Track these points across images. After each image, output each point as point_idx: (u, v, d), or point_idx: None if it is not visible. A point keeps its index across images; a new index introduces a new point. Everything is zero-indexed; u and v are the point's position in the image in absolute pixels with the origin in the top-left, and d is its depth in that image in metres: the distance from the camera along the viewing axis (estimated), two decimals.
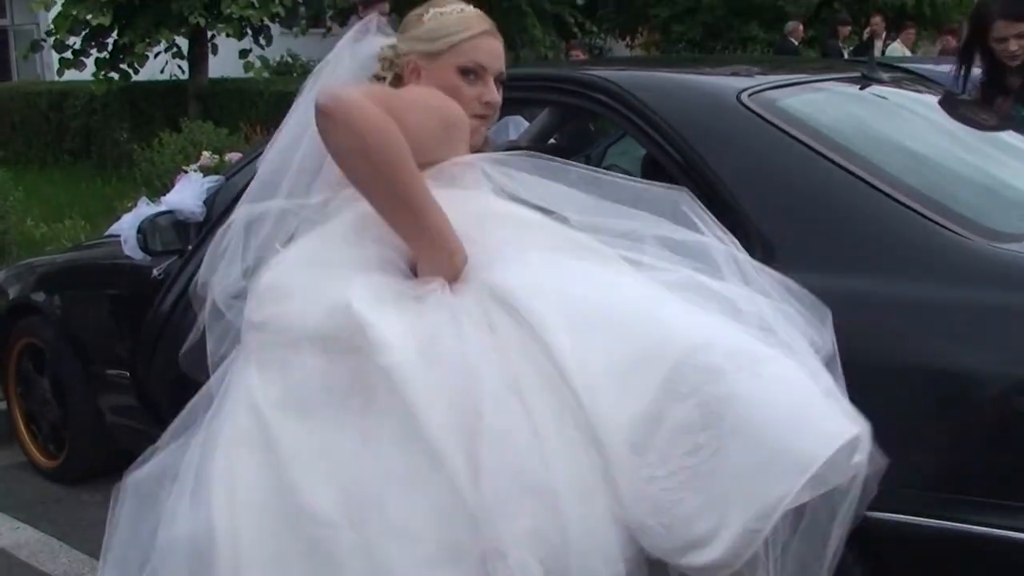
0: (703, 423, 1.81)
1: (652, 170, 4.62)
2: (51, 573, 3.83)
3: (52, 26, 13.42)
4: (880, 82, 3.33)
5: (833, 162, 2.60)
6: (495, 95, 2.27)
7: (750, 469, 1.78)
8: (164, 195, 3.90)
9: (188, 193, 3.75)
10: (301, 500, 1.85)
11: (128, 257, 3.86)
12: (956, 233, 2.43)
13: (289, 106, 2.35)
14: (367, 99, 1.92)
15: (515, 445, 1.80)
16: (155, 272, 3.79)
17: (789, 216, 2.59)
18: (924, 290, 2.37)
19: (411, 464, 1.82)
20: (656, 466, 1.82)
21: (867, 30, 15.86)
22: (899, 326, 2.38)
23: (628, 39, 21.44)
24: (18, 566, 3.89)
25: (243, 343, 2.07)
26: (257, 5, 12.81)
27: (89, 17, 12.83)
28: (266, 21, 13.42)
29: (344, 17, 15.07)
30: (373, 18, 2.40)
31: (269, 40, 14.01)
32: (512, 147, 4.49)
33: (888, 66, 3.92)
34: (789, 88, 3.02)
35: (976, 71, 3.97)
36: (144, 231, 3.68)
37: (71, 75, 14.34)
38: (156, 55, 13.76)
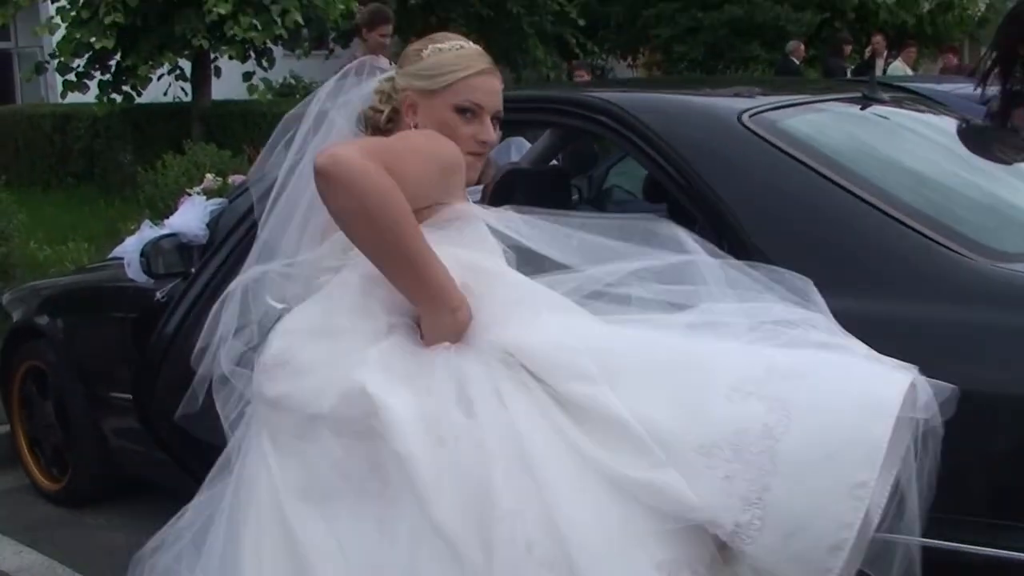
0: (767, 407, 1.82)
1: (653, 191, 4.65)
2: None
3: (56, 49, 13.46)
4: (881, 102, 3.33)
5: (834, 182, 2.60)
6: (491, 134, 2.28)
7: (832, 431, 1.80)
8: (167, 218, 3.91)
9: (191, 216, 3.76)
10: None
11: (131, 280, 3.87)
12: (958, 253, 2.43)
13: None
14: (366, 158, 1.91)
15: (526, 522, 1.81)
16: (158, 295, 3.79)
17: (790, 237, 2.59)
18: (926, 310, 2.37)
19: (426, 551, 1.84)
20: (732, 460, 1.82)
21: (868, 49, 15.89)
22: (901, 346, 2.37)
23: (630, 59, 21.49)
24: None
25: (256, 414, 2.10)
26: (260, 27, 12.83)
27: (92, 40, 12.86)
28: (269, 43, 13.45)
29: (347, 39, 15.14)
30: (359, 65, 2.39)
31: (272, 62, 14.05)
32: (514, 168, 4.50)
33: (889, 86, 3.93)
34: (790, 109, 3.02)
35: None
36: (147, 254, 3.69)
37: (75, 98, 14.36)
38: (159, 77, 13.79)
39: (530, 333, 1.96)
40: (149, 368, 3.65)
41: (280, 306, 2.18)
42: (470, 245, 2.11)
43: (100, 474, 4.51)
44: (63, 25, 13.27)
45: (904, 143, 3.20)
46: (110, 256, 4.77)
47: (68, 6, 13.31)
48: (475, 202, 2.32)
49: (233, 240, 3.43)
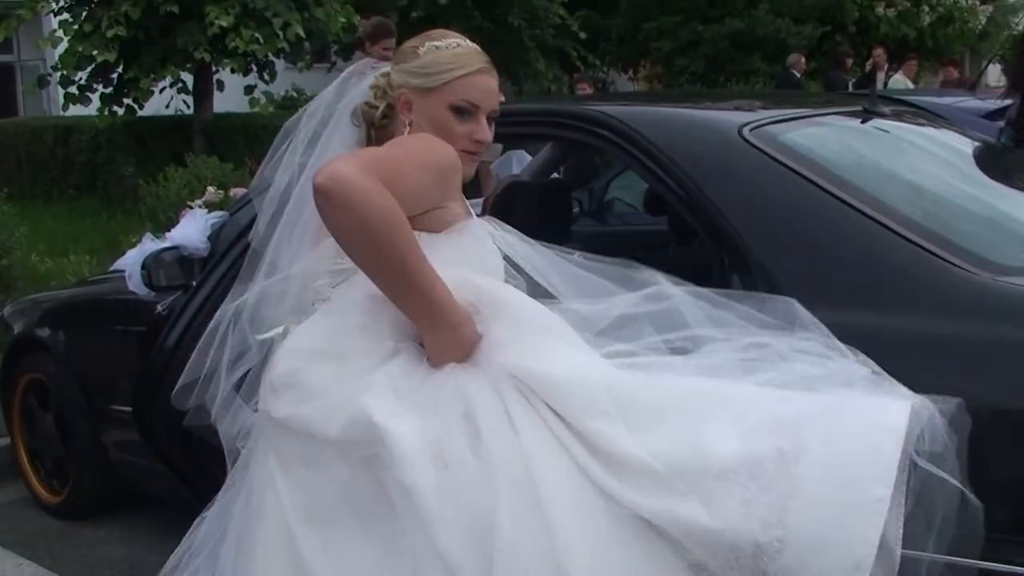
0: (780, 428, 1.85)
1: (654, 204, 4.65)
2: None
3: (59, 62, 13.50)
4: (882, 115, 3.34)
5: (835, 196, 2.60)
6: (486, 133, 2.26)
7: (845, 451, 1.82)
8: (169, 230, 3.92)
9: (192, 229, 3.77)
10: None
11: (132, 293, 3.87)
12: (959, 267, 2.43)
13: None
14: (365, 176, 1.88)
15: (527, 553, 1.81)
16: (159, 308, 3.80)
17: (791, 250, 2.59)
18: (927, 324, 2.37)
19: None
20: (749, 485, 1.83)
21: (869, 62, 15.91)
22: (902, 360, 2.37)
23: (631, 72, 21.53)
24: None
25: (263, 432, 2.10)
26: (262, 40, 12.87)
27: (95, 53, 12.91)
28: (271, 56, 13.48)
29: (348, 52, 15.16)
30: (361, 65, 2.40)
31: (274, 75, 14.08)
32: (515, 181, 4.51)
33: (889, 99, 3.93)
34: (791, 122, 3.02)
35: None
36: (148, 267, 3.69)
37: (77, 110, 14.40)
38: (161, 90, 13.82)
39: (545, 362, 1.95)
40: (150, 381, 3.65)
41: (270, 334, 2.16)
42: (477, 262, 2.11)
43: (100, 487, 4.50)
44: (66, 38, 13.31)
45: (905, 156, 3.21)
46: (111, 269, 4.78)
47: (71, 19, 13.37)
48: (476, 215, 2.32)
49: (234, 253, 3.43)
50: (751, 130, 2.81)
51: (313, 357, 2.01)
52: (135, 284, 3.79)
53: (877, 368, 2.02)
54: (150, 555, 3.43)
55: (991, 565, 2.11)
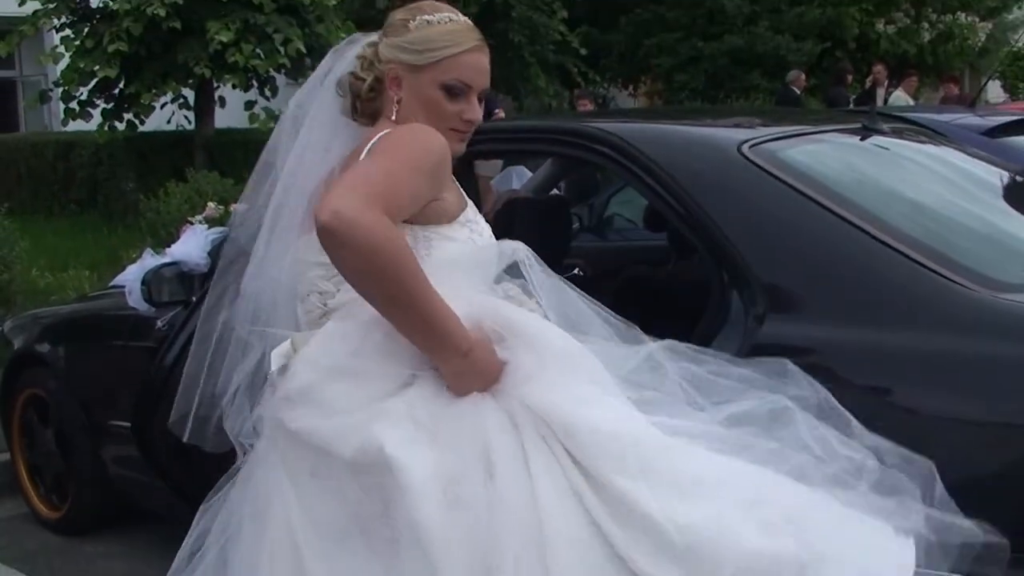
0: (800, 548, 1.85)
1: (654, 220, 4.66)
2: None
3: (60, 78, 13.55)
4: (881, 132, 3.35)
5: (834, 213, 2.61)
6: (477, 113, 2.21)
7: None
8: (169, 246, 3.92)
9: (193, 245, 3.77)
10: None
11: (132, 308, 3.87)
12: (959, 284, 2.43)
13: None
14: (368, 208, 1.85)
15: None
16: (159, 323, 3.80)
17: (791, 267, 2.60)
18: (927, 341, 2.37)
19: None
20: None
21: (869, 78, 15.95)
22: (902, 377, 2.38)
23: (631, 88, 21.58)
24: None
25: (273, 440, 2.08)
26: (263, 56, 12.91)
27: (96, 69, 12.95)
28: (272, 72, 13.52)
29: None
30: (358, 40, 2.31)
31: (275, 91, 14.10)
32: (516, 197, 4.52)
33: (889, 116, 3.94)
34: (790, 139, 3.03)
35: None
36: (149, 282, 3.69)
37: (78, 125, 14.43)
38: (162, 106, 13.85)
39: (570, 405, 1.92)
40: (149, 397, 3.65)
41: (279, 352, 2.12)
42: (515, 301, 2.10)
43: (100, 502, 4.49)
44: (67, 54, 13.35)
45: (904, 173, 3.21)
46: (111, 284, 4.78)
47: (72, 35, 13.40)
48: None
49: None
50: (750, 147, 2.82)
51: (332, 373, 1.98)
52: (135, 300, 3.79)
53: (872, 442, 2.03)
54: (149, 570, 3.42)
55: None
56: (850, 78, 15.71)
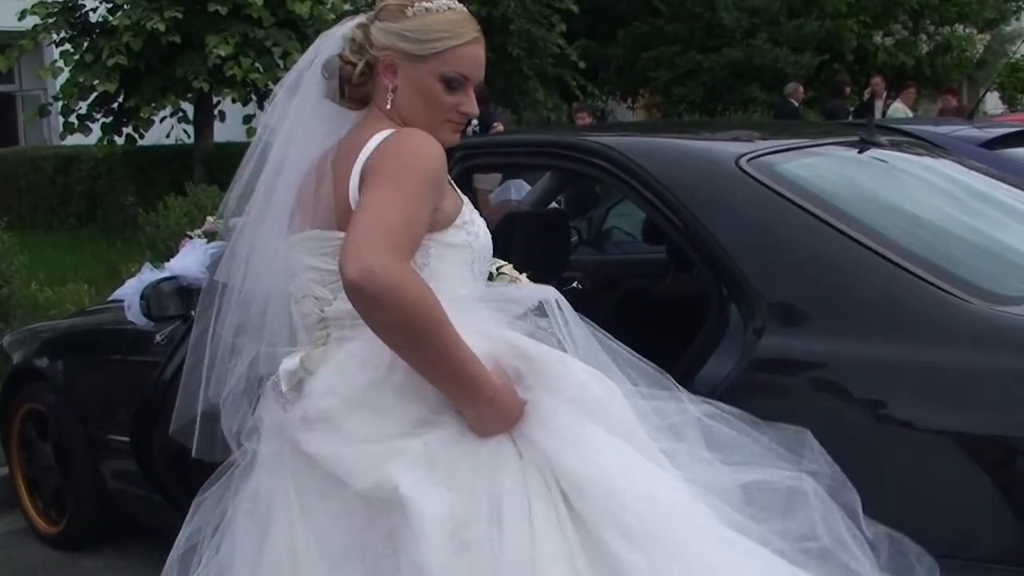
0: None
1: (653, 233, 4.66)
2: None
3: (60, 92, 13.57)
4: (879, 145, 3.35)
5: (832, 226, 2.61)
6: (474, 107, 2.17)
7: None
8: (168, 260, 3.92)
9: (192, 259, 3.77)
10: None
11: (131, 323, 3.87)
12: (957, 296, 2.43)
13: None
14: (394, 260, 1.83)
15: None
16: (158, 338, 3.80)
17: (789, 280, 2.60)
18: (925, 354, 2.37)
19: None
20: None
21: (867, 90, 15.98)
22: (900, 390, 2.37)
23: (630, 101, 21.60)
24: None
25: (281, 455, 2.07)
26: (262, 70, 12.95)
27: (96, 83, 12.97)
28: (271, 86, 13.53)
29: None
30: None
31: None
32: (514, 210, 4.52)
33: (887, 128, 3.94)
34: (788, 153, 3.03)
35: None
36: (147, 297, 3.69)
37: (77, 139, 14.46)
38: (162, 120, 13.87)
39: (581, 454, 1.92)
40: (148, 411, 3.65)
41: (288, 367, 2.10)
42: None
43: (98, 517, 4.48)
44: (67, 68, 13.37)
45: (902, 186, 3.21)
46: (110, 299, 4.78)
47: (72, 50, 13.43)
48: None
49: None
50: (748, 160, 2.82)
51: (352, 404, 1.97)
52: (134, 314, 3.79)
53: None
54: None
55: None
56: (848, 90, 15.73)
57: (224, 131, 14.69)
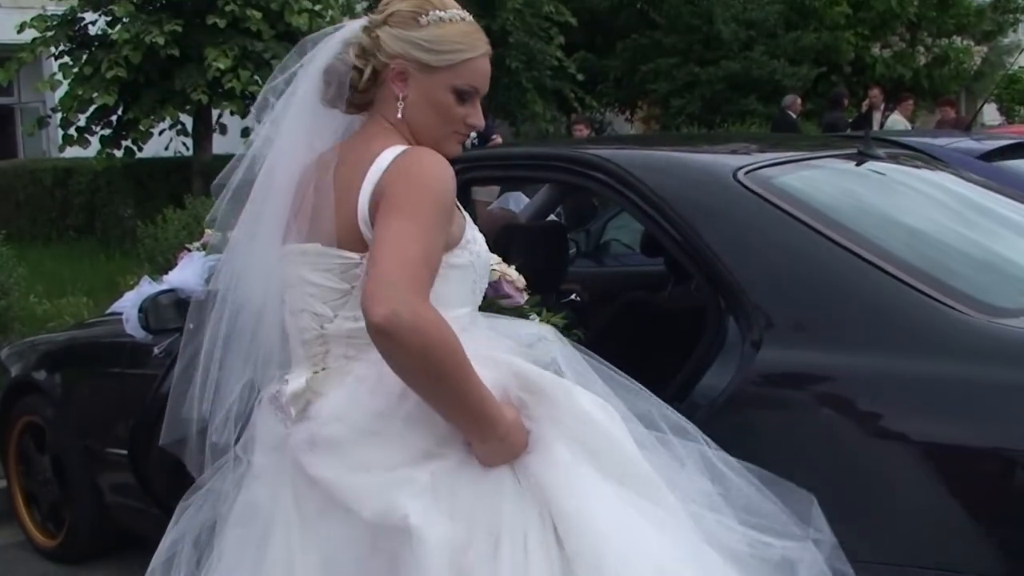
0: None
1: (651, 246, 4.67)
2: None
3: (59, 105, 13.59)
4: (877, 158, 3.35)
5: (830, 239, 2.61)
6: (481, 119, 2.15)
7: None
8: (167, 273, 3.91)
9: (190, 271, 3.76)
10: None
11: (130, 336, 3.86)
12: (955, 309, 2.43)
13: None
14: (418, 301, 1.83)
15: None
16: (156, 351, 3.79)
17: (786, 293, 2.60)
18: (923, 366, 2.37)
19: None
20: None
21: (865, 102, 16.00)
22: (898, 402, 2.37)
23: (628, 113, 21.64)
24: None
25: (283, 472, 2.06)
26: (261, 82, 12.96)
27: (94, 96, 12.99)
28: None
29: None
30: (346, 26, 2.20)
31: None
32: (513, 223, 4.52)
33: (885, 141, 3.95)
34: (785, 165, 3.04)
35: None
36: (146, 310, 3.68)
37: (76, 152, 14.48)
38: (160, 132, 13.89)
39: (576, 492, 1.92)
40: (145, 424, 3.64)
41: (293, 387, 2.08)
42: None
43: (96, 530, 4.47)
44: (66, 81, 13.39)
45: (900, 199, 3.21)
46: (109, 311, 4.77)
47: (71, 62, 13.45)
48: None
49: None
50: (746, 173, 2.82)
51: (360, 433, 1.97)
52: (132, 327, 3.78)
53: None
54: None
55: None
56: (846, 102, 15.75)
57: (223, 143, 14.70)
